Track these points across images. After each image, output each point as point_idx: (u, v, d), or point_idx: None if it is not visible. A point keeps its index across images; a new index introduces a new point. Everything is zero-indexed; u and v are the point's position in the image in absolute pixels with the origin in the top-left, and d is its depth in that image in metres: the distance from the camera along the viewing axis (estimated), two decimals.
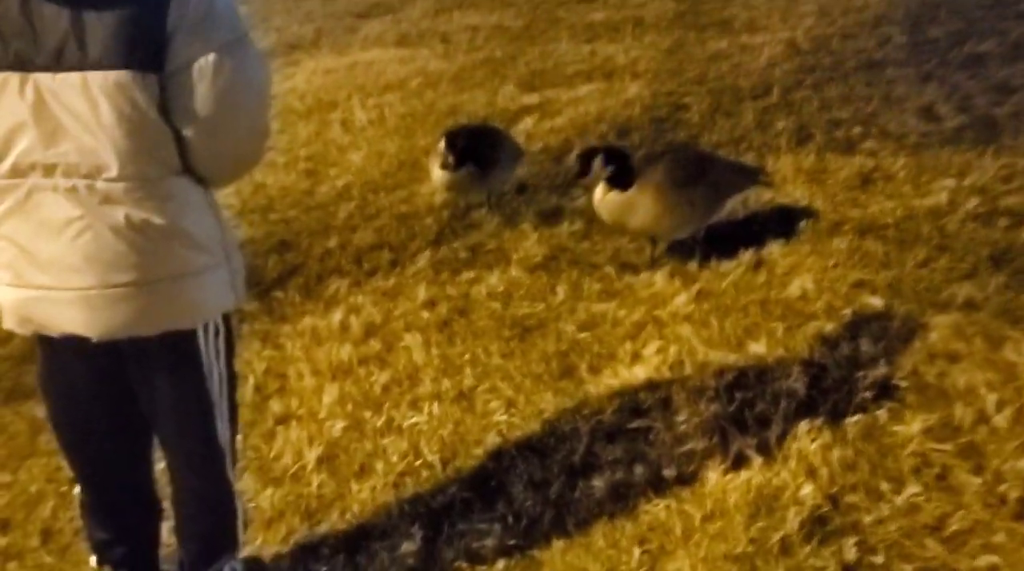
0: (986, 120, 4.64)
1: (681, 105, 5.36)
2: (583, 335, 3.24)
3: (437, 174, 4.05)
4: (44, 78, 1.62)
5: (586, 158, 3.43)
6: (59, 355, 1.89)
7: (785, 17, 7.51)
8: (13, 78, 1.62)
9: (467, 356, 3.16)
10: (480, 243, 3.97)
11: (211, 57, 1.64)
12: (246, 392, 3.02)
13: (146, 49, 1.62)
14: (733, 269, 3.51)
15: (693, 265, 3.58)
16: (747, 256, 3.56)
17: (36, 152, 1.65)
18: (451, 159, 3.94)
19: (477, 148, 4.05)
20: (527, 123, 5.40)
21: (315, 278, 3.79)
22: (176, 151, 1.69)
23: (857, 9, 7.48)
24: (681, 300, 3.37)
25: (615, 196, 3.42)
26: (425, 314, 3.44)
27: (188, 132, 1.66)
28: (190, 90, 1.63)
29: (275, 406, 2.97)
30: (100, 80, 1.61)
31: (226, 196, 4.62)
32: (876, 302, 3.17)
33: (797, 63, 6.02)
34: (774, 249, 3.59)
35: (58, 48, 1.61)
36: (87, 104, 1.62)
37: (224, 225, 1.86)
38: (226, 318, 1.92)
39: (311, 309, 3.55)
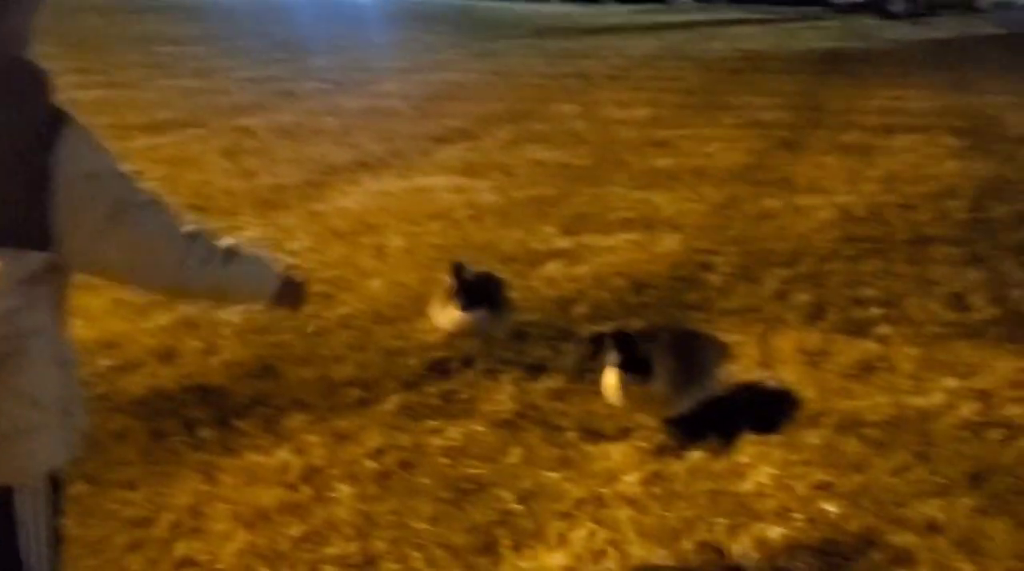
0: (1018, 316, 4.35)
1: (707, 265, 5.23)
2: (518, 507, 3.08)
3: (447, 314, 4.02)
4: None
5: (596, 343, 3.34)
6: None
7: (849, 180, 7.35)
8: None
9: (392, 516, 3.04)
10: (454, 391, 3.87)
11: None
12: (161, 530, 2.96)
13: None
14: (694, 452, 3.31)
15: (660, 439, 3.40)
16: (715, 440, 3.37)
17: None
18: (463, 300, 3.94)
19: (486, 290, 4.05)
20: (552, 268, 5.35)
21: (279, 410, 3.75)
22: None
23: (925, 179, 7.27)
24: (631, 479, 3.19)
25: (635, 389, 3.27)
26: (369, 463, 3.34)
27: None
28: None
29: (181, 549, 2.88)
30: None
31: (229, 313, 4.68)
32: (832, 510, 2.92)
33: (843, 231, 5.84)
34: (745, 435, 3.38)
35: None
36: None
37: (69, 381, 1.79)
38: (55, 479, 1.87)
39: (261, 444, 3.48)
